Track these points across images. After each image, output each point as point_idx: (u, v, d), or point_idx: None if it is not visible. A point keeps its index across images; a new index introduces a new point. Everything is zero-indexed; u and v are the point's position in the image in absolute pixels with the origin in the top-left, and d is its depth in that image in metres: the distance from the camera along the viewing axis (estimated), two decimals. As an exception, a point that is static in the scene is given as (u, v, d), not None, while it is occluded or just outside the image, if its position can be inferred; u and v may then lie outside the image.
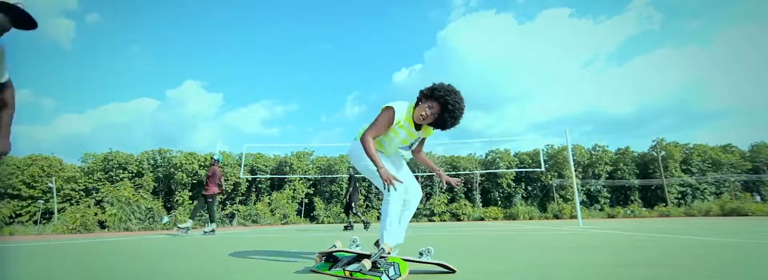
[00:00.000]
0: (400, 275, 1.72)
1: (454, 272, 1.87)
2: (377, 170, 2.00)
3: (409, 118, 2.14)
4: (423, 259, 1.95)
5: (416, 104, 2.13)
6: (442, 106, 2.03)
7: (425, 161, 2.46)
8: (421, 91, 2.12)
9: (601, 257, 2.53)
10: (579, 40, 63.17)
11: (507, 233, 6.17)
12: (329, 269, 1.95)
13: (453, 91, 2.05)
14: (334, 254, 2.06)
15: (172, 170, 30.56)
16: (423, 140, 2.40)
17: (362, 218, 9.13)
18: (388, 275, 1.71)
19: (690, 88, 61.47)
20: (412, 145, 2.30)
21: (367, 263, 1.78)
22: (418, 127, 2.20)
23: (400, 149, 2.33)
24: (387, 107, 2.10)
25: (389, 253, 1.93)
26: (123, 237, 6.90)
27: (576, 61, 65.50)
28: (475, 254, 2.91)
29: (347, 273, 1.84)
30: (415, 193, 2.35)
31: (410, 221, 2.46)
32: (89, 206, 15.63)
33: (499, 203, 30.93)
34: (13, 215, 26.05)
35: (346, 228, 9.06)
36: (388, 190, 2.03)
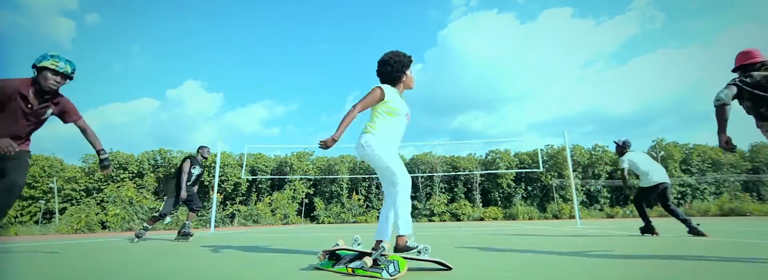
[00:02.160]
0: (400, 272, 1.82)
1: (450, 269, 1.97)
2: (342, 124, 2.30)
3: (397, 92, 2.51)
4: (421, 257, 2.06)
5: (396, 75, 2.49)
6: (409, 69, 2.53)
7: None
8: (395, 62, 2.49)
9: (590, 256, 2.64)
10: (580, 40, 63.15)
11: (504, 233, 6.27)
12: (332, 267, 2.06)
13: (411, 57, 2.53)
14: (337, 252, 2.17)
15: (173, 170, 30.66)
16: None
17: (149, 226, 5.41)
18: (388, 272, 1.82)
19: (690, 88, 61.56)
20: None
21: (368, 261, 1.89)
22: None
23: (406, 124, 2.51)
24: (376, 87, 2.40)
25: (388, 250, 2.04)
26: (127, 237, 7.01)
27: (577, 61, 65.52)
28: (471, 253, 3.02)
29: (350, 270, 1.95)
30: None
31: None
32: (89, 206, 15.73)
33: (499, 203, 31.00)
34: (17, 216, 26.15)
35: (182, 236, 5.50)
36: (404, 178, 2.24)
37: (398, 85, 2.52)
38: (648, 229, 4.98)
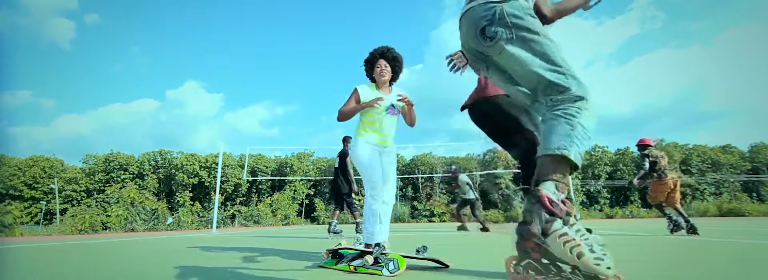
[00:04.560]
0: (399, 269, 1.92)
1: (447, 266, 2.08)
2: (365, 104, 2.37)
3: (372, 86, 2.55)
4: (420, 255, 2.16)
5: (371, 76, 2.55)
6: (384, 58, 2.50)
7: (410, 116, 2.57)
8: (365, 62, 2.57)
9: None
10: (581, 40, 63.21)
11: (501, 233, 6.37)
12: (336, 265, 2.16)
13: (384, 46, 2.53)
14: (339, 251, 2.27)
15: (173, 171, 30.77)
16: (405, 114, 2.57)
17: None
18: (388, 269, 1.92)
19: (690, 88, 61.66)
20: (394, 107, 2.50)
21: (369, 259, 1.99)
22: (385, 93, 2.53)
23: (391, 117, 2.50)
24: (355, 87, 2.52)
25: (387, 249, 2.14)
26: (131, 238, 7.11)
27: (577, 62, 65.49)
28: (469, 252, 3.12)
29: (352, 268, 2.05)
30: (393, 191, 2.51)
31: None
32: (89, 206, 15.82)
33: (499, 204, 31.12)
34: (20, 216, 26.24)
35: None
36: (373, 187, 2.33)
37: (377, 82, 2.54)
38: (462, 228, 7.76)
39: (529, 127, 1.79)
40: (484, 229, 7.55)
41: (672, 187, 5.20)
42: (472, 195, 7.92)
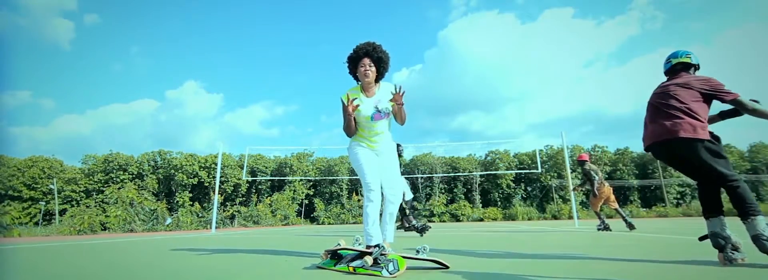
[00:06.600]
0: (399, 270, 1.91)
1: (447, 267, 2.06)
2: (348, 114, 2.27)
3: (356, 89, 2.39)
4: (419, 256, 2.15)
5: (355, 74, 2.40)
6: (369, 57, 2.31)
7: (400, 116, 2.36)
8: (348, 59, 2.38)
9: (582, 254, 2.72)
10: (581, 41, 63.03)
11: (501, 233, 6.36)
12: (334, 266, 2.15)
13: (366, 42, 2.35)
14: (338, 251, 2.25)
15: (173, 171, 30.72)
16: (395, 114, 2.36)
17: None
18: (387, 270, 1.91)
19: (689, 88, 61.57)
20: (380, 111, 2.33)
21: (368, 259, 1.97)
22: (369, 95, 2.37)
23: (378, 123, 2.35)
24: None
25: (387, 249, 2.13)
26: (130, 238, 7.09)
27: (577, 62, 65.45)
28: (468, 252, 3.10)
29: (351, 269, 2.03)
30: (396, 190, 2.39)
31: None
32: (88, 207, 15.79)
33: (499, 203, 31.11)
34: (19, 217, 26.18)
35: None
36: (368, 189, 2.28)
37: (362, 83, 2.36)
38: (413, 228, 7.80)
39: (717, 167, 2.11)
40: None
41: (607, 195, 6.33)
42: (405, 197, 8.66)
